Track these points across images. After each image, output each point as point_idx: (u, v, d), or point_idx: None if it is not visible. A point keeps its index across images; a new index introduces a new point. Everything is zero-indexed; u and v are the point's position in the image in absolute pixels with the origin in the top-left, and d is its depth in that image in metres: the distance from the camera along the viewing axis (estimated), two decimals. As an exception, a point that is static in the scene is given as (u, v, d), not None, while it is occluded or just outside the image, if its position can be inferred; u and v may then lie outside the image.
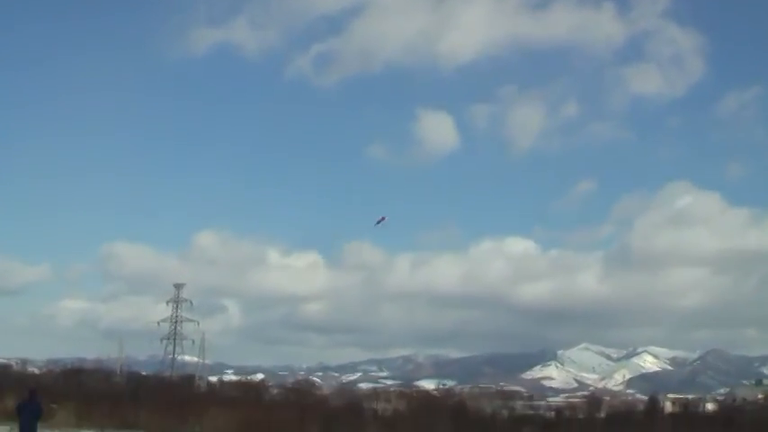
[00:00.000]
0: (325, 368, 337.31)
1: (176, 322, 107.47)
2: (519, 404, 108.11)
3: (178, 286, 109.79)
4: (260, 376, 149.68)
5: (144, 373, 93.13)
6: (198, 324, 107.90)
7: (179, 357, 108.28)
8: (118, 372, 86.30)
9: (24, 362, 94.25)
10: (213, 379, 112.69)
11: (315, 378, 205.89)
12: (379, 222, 42.50)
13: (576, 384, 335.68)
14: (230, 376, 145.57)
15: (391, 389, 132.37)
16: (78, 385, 58.28)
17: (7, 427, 31.35)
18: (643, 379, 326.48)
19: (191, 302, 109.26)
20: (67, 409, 39.99)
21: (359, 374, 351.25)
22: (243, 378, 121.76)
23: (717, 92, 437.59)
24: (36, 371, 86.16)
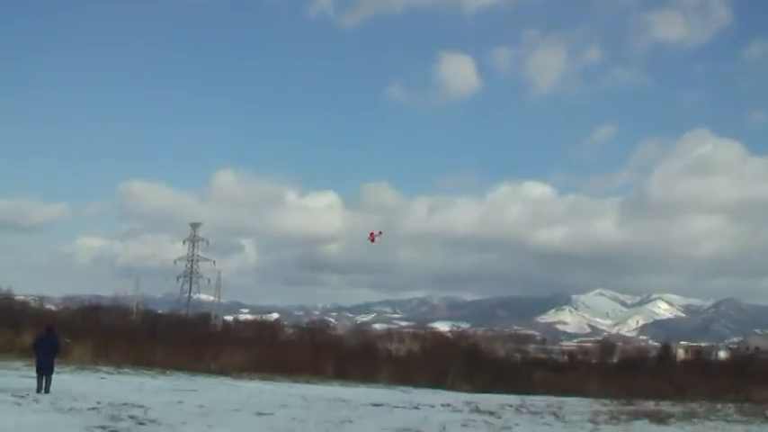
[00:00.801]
0: (339, 309, 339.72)
1: (192, 261, 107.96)
2: (532, 348, 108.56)
3: (195, 225, 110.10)
4: (275, 316, 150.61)
5: (160, 311, 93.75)
6: (214, 263, 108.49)
7: (195, 296, 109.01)
8: (134, 309, 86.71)
9: (42, 299, 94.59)
10: (229, 318, 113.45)
11: (329, 318, 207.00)
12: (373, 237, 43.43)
13: (589, 329, 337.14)
14: (246, 315, 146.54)
15: (405, 330, 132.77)
16: (95, 322, 58.53)
17: (25, 363, 31.45)
18: (656, 326, 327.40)
19: (207, 242, 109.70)
20: (84, 345, 40.06)
21: (373, 315, 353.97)
22: (258, 317, 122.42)
23: (740, 40, 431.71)
24: (53, 308, 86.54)
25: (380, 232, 41.88)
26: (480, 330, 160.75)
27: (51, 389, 21.40)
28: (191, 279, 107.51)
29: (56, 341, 23.06)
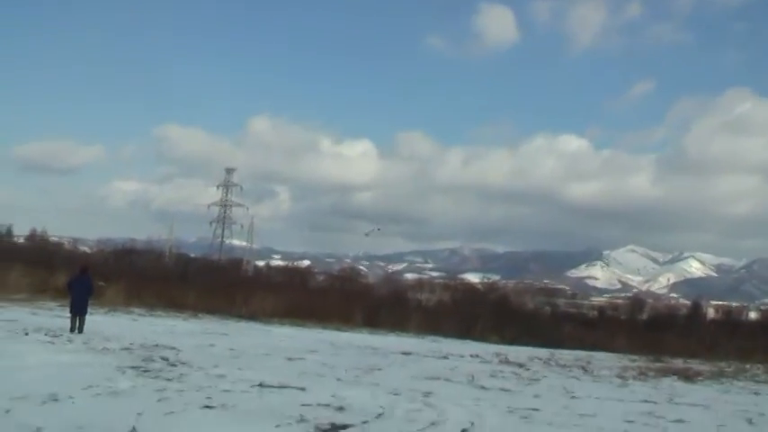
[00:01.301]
0: (371, 257, 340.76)
1: (226, 206, 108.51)
2: (562, 302, 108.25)
3: (229, 170, 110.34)
4: (306, 262, 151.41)
5: (193, 255, 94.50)
6: (247, 209, 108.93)
7: (227, 241, 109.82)
8: (167, 253, 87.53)
9: (76, 241, 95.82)
10: (260, 263, 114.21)
11: (361, 266, 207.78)
12: (370, 233, 45.25)
13: (619, 285, 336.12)
14: (277, 261, 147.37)
15: (436, 280, 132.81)
16: (128, 265, 59.10)
17: (58, 303, 31.84)
18: (687, 284, 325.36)
19: (241, 187, 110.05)
20: (117, 287, 40.50)
21: (404, 265, 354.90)
22: (289, 263, 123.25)
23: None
24: (87, 250, 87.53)
25: (379, 229, 43.17)
26: (511, 283, 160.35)
27: (84, 329, 21.54)
28: (223, 224, 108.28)
29: (90, 282, 23.18)
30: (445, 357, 26.10)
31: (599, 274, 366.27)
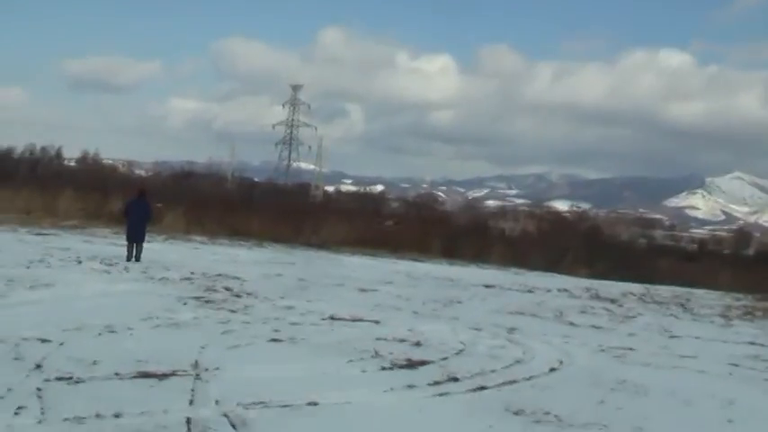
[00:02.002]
0: (449, 182, 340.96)
1: (292, 126, 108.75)
2: (659, 233, 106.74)
3: (296, 87, 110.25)
4: (379, 188, 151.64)
5: (256, 180, 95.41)
6: (315, 129, 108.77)
7: (294, 164, 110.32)
8: (229, 177, 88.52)
9: (131, 164, 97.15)
10: (330, 188, 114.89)
11: (438, 192, 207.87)
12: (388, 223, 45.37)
13: (723, 216, 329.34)
14: (348, 186, 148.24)
15: (520, 208, 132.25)
16: (188, 189, 59.91)
17: (113, 230, 32.51)
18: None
19: (308, 106, 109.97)
20: (176, 213, 41.09)
21: (486, 191, 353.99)
22: (361, 188, 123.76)
23: None
24: (143, 173, 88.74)
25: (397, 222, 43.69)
26: (602, 212, 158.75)
27: (142, 257, 21.83)
28: (290, 146, 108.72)
29: (148, 207, 23.38)
30: (530, 291, 26.01)
31: (700, 204, 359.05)
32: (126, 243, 22.28)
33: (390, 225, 47.93)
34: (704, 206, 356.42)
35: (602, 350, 13.02)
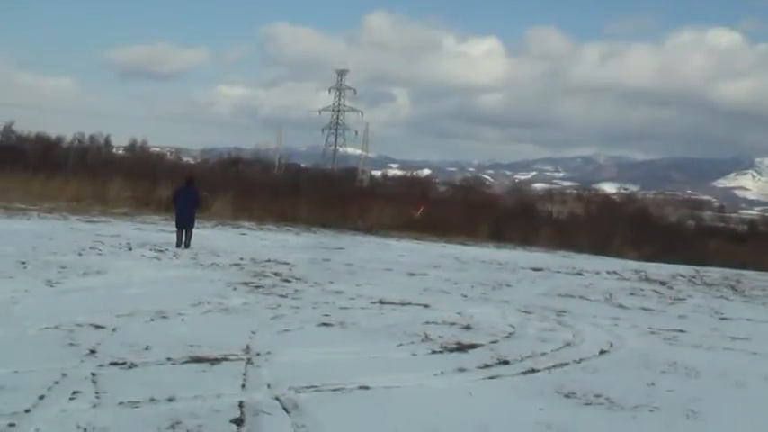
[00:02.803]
0: (496, 166, 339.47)
1: (338, 111, 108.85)
2: (708, 215, 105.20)
3: (341, 72, 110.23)
4: (426, 172, 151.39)
5: (303, 165, 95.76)
6: (362, 114, 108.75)
7: (340, 149, 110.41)
8: (276, 163, 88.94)
9: (178, 151, 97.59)
10: (377, 173, 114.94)
11: (485, 176, 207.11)
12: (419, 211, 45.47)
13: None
14: (395, 171, 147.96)
15: (568, 191, 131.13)
16: (235, 176, 60.29)
17: (162, 217, 32.83)
18: None
19: (354, 91, 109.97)
20: (224, 199, 41.41)
21: (533, 174, 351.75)
22: (408, 173, 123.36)
23: None
24: (191, 160, 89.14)
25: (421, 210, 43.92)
26: (650, 194, 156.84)
27: (191, 244, 22.01)
28: (336, 131, 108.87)
29: (196, 193, 23.51)
30: (579, 274, 25.86)
31: (750, 185, 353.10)
32: (176, 230, 22.49)
33: (419, 214, 47.81)
34: (754, 187, 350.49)
35: (653, 332, 12.91)
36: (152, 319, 10.34)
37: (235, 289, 14.10)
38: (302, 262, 20.49)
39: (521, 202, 73.47)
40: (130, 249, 19.74)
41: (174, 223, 22.86)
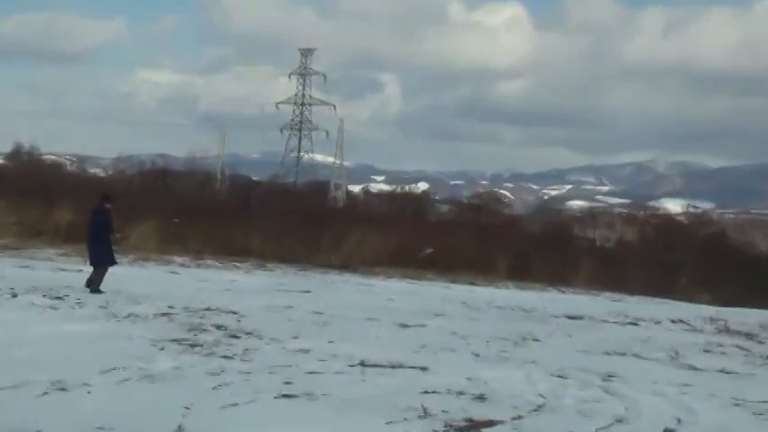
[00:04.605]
0: (518, 177, 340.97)
1: (303, 105, 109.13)
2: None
3: (306, 52, 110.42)
4: (423, 186, 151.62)
5: (256, 178, 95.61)
6: (335, 108, 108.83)
7: (306, 156, 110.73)
8: (219, 175, 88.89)
9: (83, 160, 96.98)
10: (355, 188, 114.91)
11: (503, 191, 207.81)
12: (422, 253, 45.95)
13: None
14: (380, 185, 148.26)
15: (616, 210, 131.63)
16: (163, 193, 60.05)
17: (59, 250, 32.67)
18: None
19: (324, 77, 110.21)
20: (147, 226, 41.18)
21: (568, 188, 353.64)
22: (399, 188, 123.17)
23: None
24: (100, 172, 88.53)
25: (432, 250, 43.86)
26: (730, 213, 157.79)
27: (102, 286, 21.93)
28: (300, 132, 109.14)
29: (108, 217, 23.31)
30: (633, 323, 25.90)
31: None
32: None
33: (426, 254, 47.85)
34: None
35: (737, 404, 12.89)
36: (46, 393, 10.23)
37: (162, 349, 14.05)
38: (255, 310, 20.44)
39: (552, 227, 73.64)
40: (15, 296, 19.56)
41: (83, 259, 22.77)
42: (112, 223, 23.79)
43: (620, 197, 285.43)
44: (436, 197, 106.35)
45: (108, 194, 24.91)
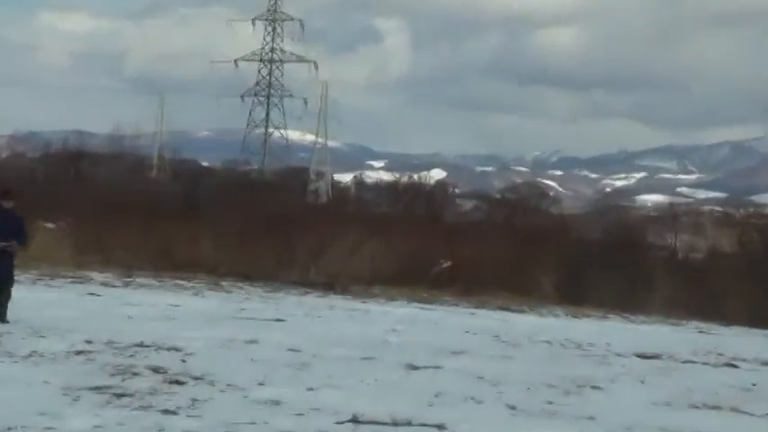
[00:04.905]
0: (569, 162, 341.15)
1: (272, 62, 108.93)
2: None
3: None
4: (438, 174, 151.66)
5: (206, 164, 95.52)
6: (315, 67, 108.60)
7: (277, 133, 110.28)
8: (155, 160, 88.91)
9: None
10: (345, 178, 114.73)
11: (548, 181, 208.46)
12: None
13: None
14: (379, 173, 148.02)
15: (705, 207, 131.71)
16: (77, 183, 60.06)
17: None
18: None
19: (301, 23, 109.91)
20: (56, 231, 41.20)
21: (639, 176, 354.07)
22: (404, 177, 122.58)
23: None
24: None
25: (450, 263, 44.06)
26: None
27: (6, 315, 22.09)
28: (268, 100, 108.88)
29: (17, 221, 23.27)
30: (730, 365, 25.97)
31: None
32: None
33: (442, 269, 47.88)
34: None
35: None
36: None
37: (76, 399, 14.04)
38: (205, 346, 20.46)
39: (616, 231, 73.65)
40: None
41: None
42: (22, 227, 23.70)
43: (711, 189, 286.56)
44: (456, 190, 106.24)
45: (7, 189, 24.77)
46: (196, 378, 16.48)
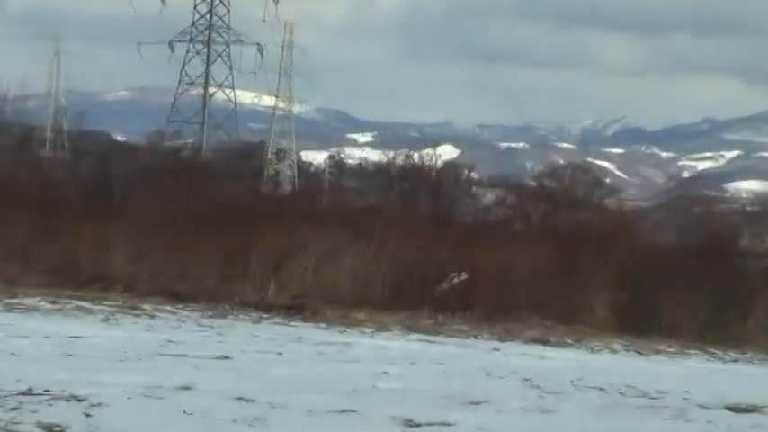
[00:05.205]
0: (632, 134, 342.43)
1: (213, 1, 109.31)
2: None
3: None
4: (447, 151, 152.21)
5: (123, 139, 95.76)
6: (276, 4, 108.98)
7: (221, 95, 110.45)
8: (48, 132, 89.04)
9: None
10: (317, 157, 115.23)
11: (602, 162, 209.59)
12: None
13: None
14: (364, 150, 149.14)
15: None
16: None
17: None
18: None
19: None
20: None
21: (730, 156, 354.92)
22: (398, 155, 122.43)
23: None
24: None
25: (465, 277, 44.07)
26: None
27: None
28: (208, 48, 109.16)
29: None
30: None
31: None
32: None
33: (454, 286, 47.91)
34: None
35: None
36: None
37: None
38: (120, 395, 20.45)
39: (698, 233, 73.79)
40: None
41: None
42: None
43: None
44: (473, 174, 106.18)
45: None
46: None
